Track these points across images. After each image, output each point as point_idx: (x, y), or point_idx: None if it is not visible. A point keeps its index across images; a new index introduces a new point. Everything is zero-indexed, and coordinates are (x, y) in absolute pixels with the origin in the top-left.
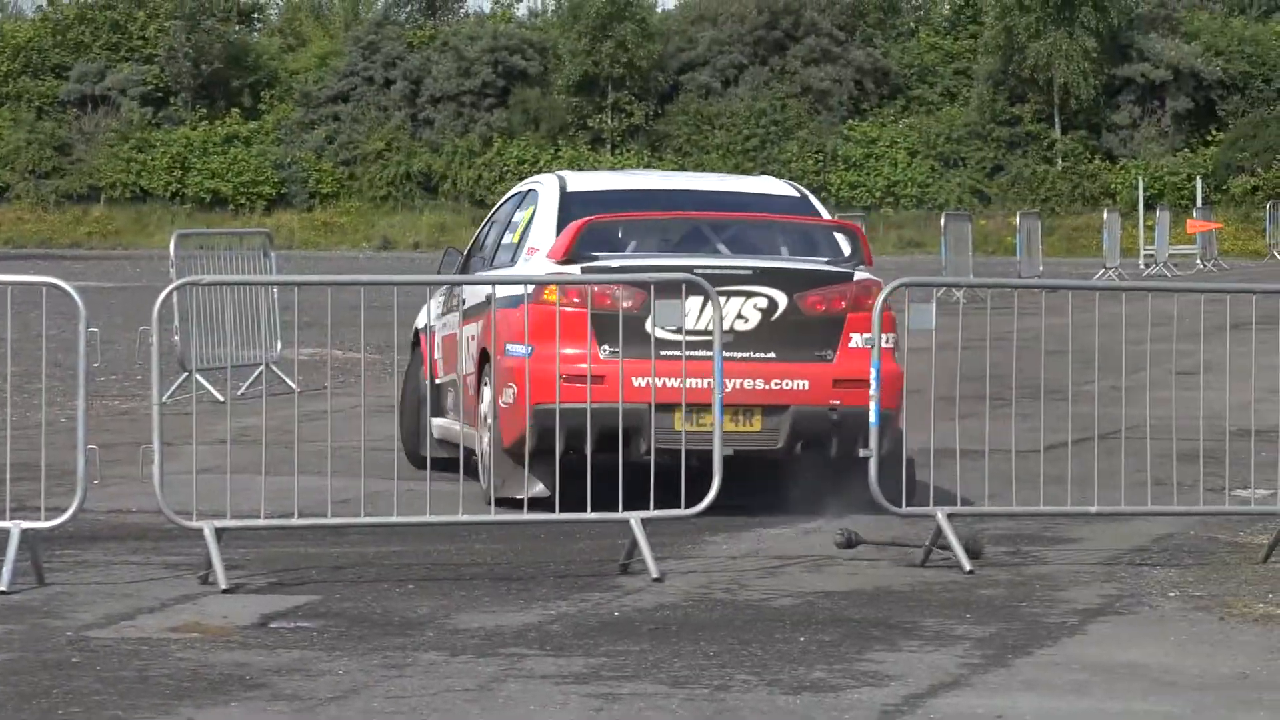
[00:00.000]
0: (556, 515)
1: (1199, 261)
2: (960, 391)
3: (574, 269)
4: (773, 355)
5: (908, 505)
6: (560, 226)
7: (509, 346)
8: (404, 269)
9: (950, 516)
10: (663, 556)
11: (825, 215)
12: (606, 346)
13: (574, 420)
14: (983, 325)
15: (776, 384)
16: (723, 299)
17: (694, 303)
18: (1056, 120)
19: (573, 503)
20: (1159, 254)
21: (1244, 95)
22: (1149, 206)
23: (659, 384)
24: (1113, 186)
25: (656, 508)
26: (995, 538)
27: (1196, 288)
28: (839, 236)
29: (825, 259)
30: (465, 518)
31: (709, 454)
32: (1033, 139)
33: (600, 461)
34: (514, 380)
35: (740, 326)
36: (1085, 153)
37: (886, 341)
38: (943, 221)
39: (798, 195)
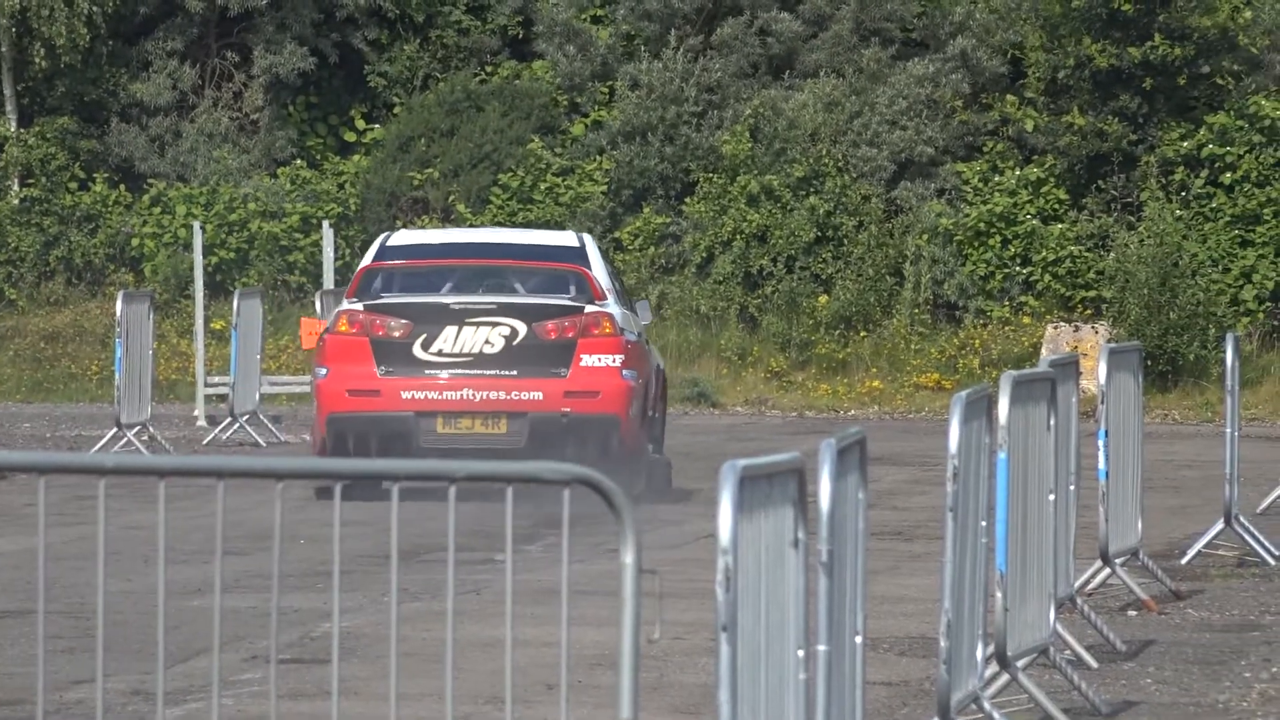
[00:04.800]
0: None
1: None
2: None
3: (359, 304)
4: (515, 372)
5: None
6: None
7: (316, 369)
8: None
9: None
10: None
11: (594, 263)
12: (383, 367)
13: (358, 426)
14: None
15: (517, 395)
16: (472, 328)
17: (450, 331)
18: None
19: None
20: None
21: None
22: None
23: (423, 396)
24: None
25: None
26: None
27: None
28: (572, 278)
29: (565, 295)
30: None
31: (470, 453)
32: None
33: None
34: (314, 395)
35: (488, 350)
36: None
37: (614, 361)
38: None
39: (577, 245)
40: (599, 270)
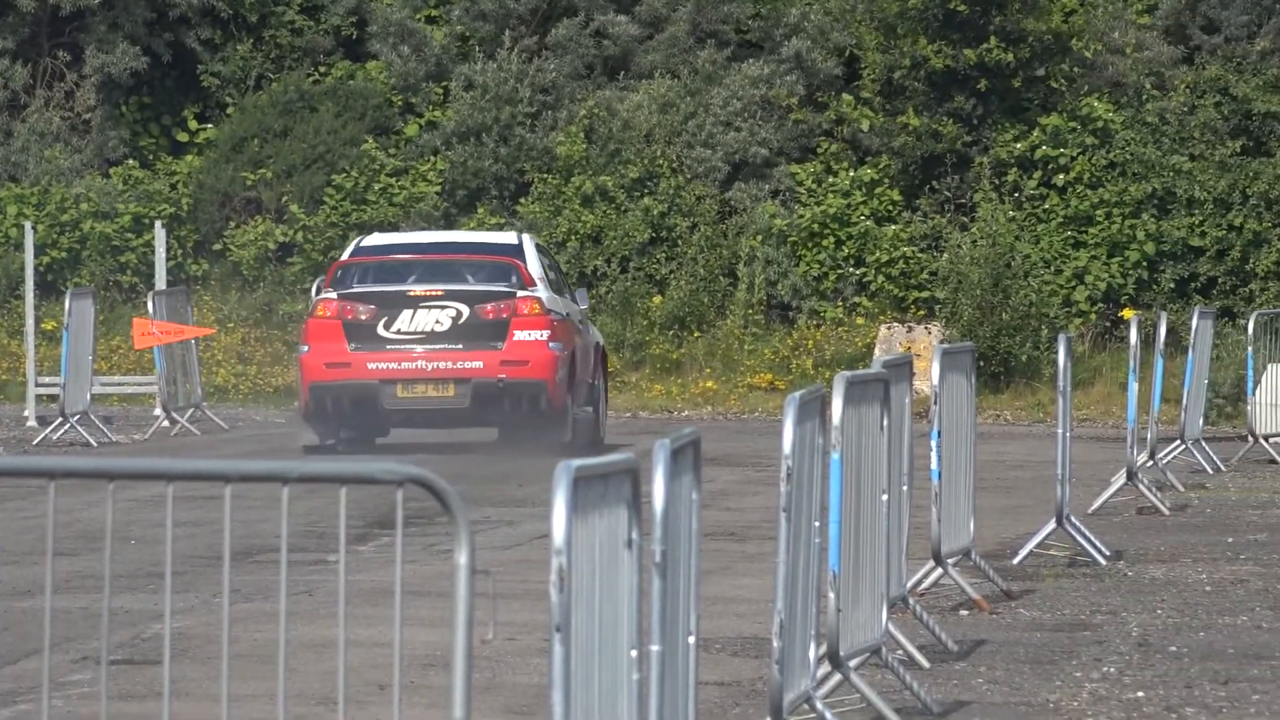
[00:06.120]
0: None
1: None
2: None
3: (333, 293)
4: (460, 346)
5: None
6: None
7: (300, 346)
8: None
9: None
10: None
11: (529, 256)
12: (353, 343)
13: (334, 393)
14: None
15: (462, 364)
16: (425, 311)
17: (408, 314)
18: None
19: None
20: None
21: None
22: None
23: (385, 367)
24: None
25: None
26: None
27: None
28: (510, 269)
29: (503, 283)
30: None
31: (425, 413)
32: None
33: None
34: (299, 368)
35: (438, 328)
36: None
37: (542, 335)
38: None
39: (516, 243)
40: (532, 262)
